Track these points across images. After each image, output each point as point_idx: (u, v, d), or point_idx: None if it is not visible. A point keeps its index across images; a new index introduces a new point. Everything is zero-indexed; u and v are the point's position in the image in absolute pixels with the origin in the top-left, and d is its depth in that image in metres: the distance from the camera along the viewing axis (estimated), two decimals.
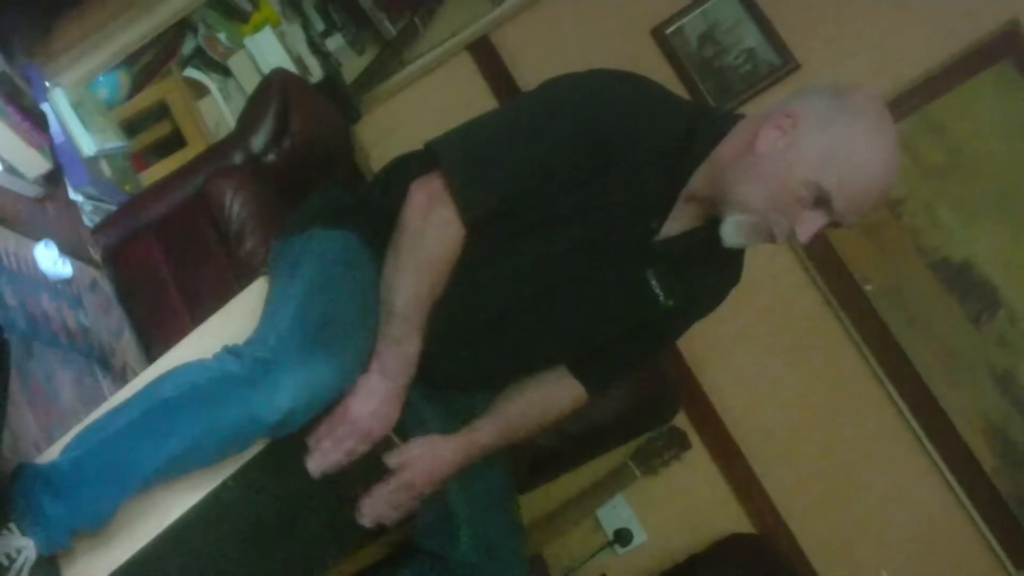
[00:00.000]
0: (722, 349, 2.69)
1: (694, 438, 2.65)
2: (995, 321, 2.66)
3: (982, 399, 2.64)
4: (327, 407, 1.43)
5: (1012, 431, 2.62)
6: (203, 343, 1.51)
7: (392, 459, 1.53)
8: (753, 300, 2.67)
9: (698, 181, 1.51)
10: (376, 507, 1.53)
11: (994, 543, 2.57)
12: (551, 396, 1.65)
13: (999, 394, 2.64)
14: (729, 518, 2.64)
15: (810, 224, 1.42)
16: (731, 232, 1.47)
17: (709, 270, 1.62)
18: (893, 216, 2.74)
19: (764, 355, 2.73)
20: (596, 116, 1.48)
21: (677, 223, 1.54)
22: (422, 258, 1.48)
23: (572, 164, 1.48)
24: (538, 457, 2.20)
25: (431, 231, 1.48)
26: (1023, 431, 2.61)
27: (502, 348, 1.59)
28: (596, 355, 1.65)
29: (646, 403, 2.36)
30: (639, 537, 2.64)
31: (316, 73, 3.03)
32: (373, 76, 3.03)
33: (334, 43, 3.16)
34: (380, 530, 1.56)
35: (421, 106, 3.01)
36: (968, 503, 2.59)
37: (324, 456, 1.45)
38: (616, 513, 2.63)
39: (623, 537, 2.62)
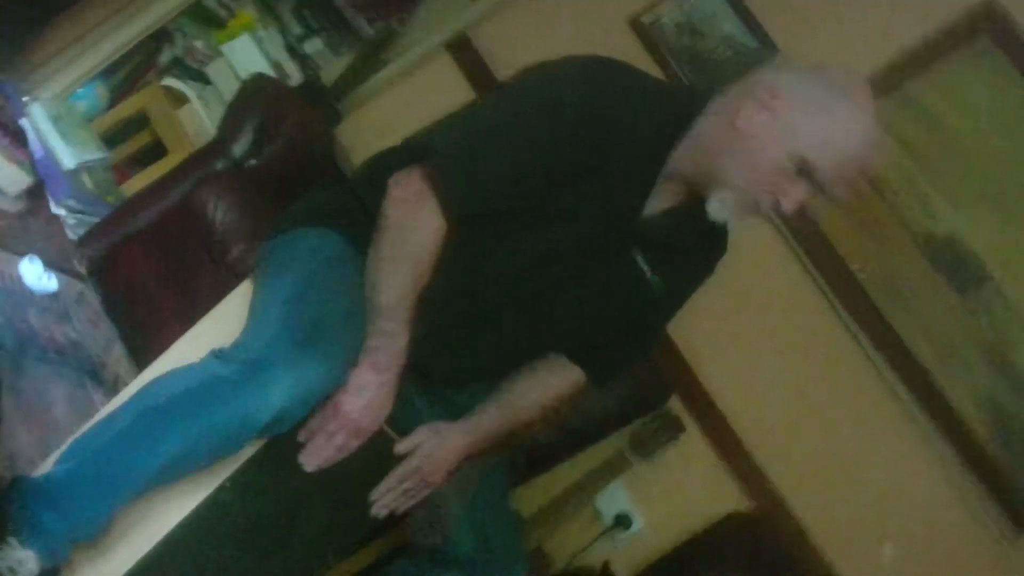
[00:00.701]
0: (713, 334, 2.67)
1: (688, 422, 2.65)
2: (984, 298, 2.67)
3: (976, 374, 2.64)
4: (320, 405, 1.43)
5: (1007, 404, 2.62)
6: (193, 348, 1.51)
7: (399, 447, 1.53)
8: (741, 285, 2.65)
9: (678, 160, 1.52)
10: (387, 496, 1.53)
11: (993, 513, 2.58)
12: (551, 382, 1.66)
13: (992, 369, 2.64)
14: (727, 498, 2.64)
15: (795, 195, 1.45)
16: (717, 208, 1.49)
17: (695, 246, 1.63)
18: (879, 196, 2.75)
19: (755, 339, 2.73)
20: (583, 118, 1.48)
21: (659, 202, 1.56)
22: (405, 253, 1.47)
23: (560, 164, 1.48)
24: (535, 451, 2.20)
25: (413, 226, 1.48)
26: (1016, 403, 2.62)
27: (498, 344, 1.60)
28: (594, 344, 1.66)
29: (639, 390, 2.37)
30: (638, 522, 2.63)
31: (295, 77, 3.03)
32: (353, 78, 3.02)
33: (312, 46, 3.15)
34: (378, 530, 1.57)
35: (403, 106, 2.99)
36: (965, 475, 2.60)
37: (317, 451, 1.45)
38: (614, 500, 2.63)
39: (622, 523, 2.61)
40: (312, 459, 1.45)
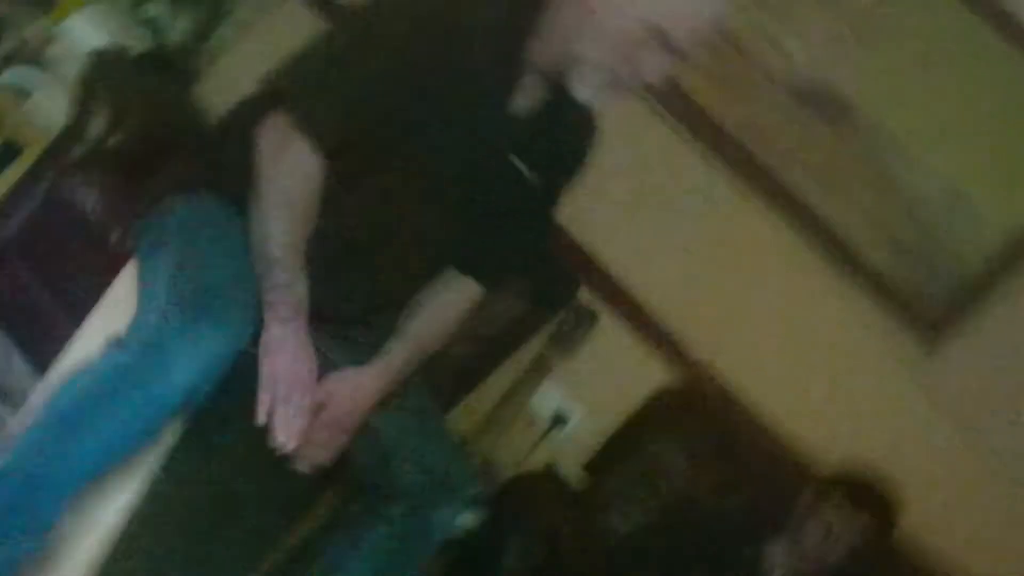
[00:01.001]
0: (604, 216, 2.68)
1: (601, 309, 2.67)
2: (856, 129, 2.71)
3: (860, 200, 2.71)
4: (227, 373, 1.38)
5: (894, 223, 2.71)
6: (90, 343, 1.47)
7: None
8: (618, 162, 2.64)
9: (535, 51, 1.52)
10: (308, 450, 1.52)
11: (896, 329, 2.70)
12: (449, 300, 1.67)
13: (874, 192, 2.71)
14: (654, 376, 2.70)
15: (654, 64, 1.46)
16: (581, 90, 1.49)
17: (567, 134, 1.64)
18: (735, 50, 2.75)
19: (642, 211, 2.75)
20: (427, 26, 1.47)
21: (525, 97, 1.55)
22: (284, 199, 1.46)
23: (415, 79, 1.47)
24: (458, 368, 2.22)
25: (286, 169, 1.47)
26: (903, 221, 2.71)
27: (386, 270, 1.60)
28: (481, 250, 1.67)
29: (547, 288, 2.40)
30: (575, 417, 2.69)
31: (143, 43, 2.90)
32: (202, 32, 2.92)
33: (154, 8, 3.01)
34: (325, 484, 1.56)
35: (257, 52, 2.88)
36: (868, 298, 2.71)
37: (286, 426, 1.41)
38: (548, 400, 2.67)
39: (560, 421, 2.67)
40: (287, 436, 1.41)
